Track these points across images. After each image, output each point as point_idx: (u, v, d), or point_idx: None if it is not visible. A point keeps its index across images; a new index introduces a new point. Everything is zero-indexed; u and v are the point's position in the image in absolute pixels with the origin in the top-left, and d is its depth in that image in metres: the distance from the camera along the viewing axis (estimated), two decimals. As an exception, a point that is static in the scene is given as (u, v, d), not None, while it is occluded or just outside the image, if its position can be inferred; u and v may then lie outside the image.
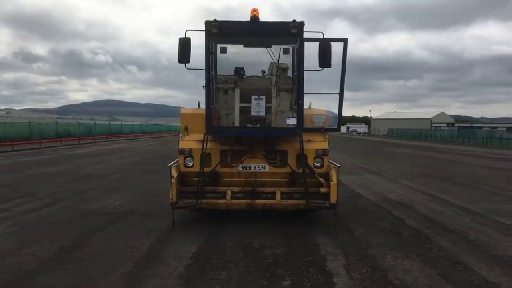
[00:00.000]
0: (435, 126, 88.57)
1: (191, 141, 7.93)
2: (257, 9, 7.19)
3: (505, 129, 75.68)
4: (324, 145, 7.88)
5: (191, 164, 7.85)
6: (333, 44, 7.36)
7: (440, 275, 5.52)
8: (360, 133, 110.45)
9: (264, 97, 7.31)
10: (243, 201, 7.71)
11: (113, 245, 6.65)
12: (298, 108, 7.31)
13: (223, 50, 8.35)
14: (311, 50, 7.79)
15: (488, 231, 7.79)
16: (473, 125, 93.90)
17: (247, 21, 7.16)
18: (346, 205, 9.79)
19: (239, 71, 7.80)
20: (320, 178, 7.79)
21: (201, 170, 7.56)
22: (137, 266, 5.74)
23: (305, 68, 7.35)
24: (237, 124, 7.48)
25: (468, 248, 6.71)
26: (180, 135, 8.09)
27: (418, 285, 5.17)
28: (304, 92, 7.56)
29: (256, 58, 8.41)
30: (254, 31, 7.14)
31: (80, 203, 9.90)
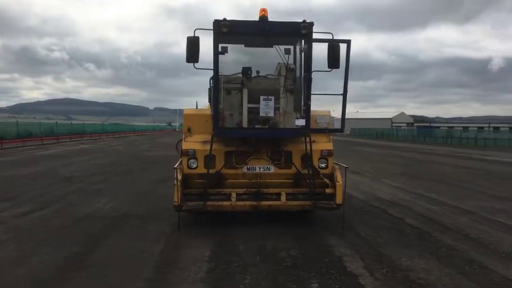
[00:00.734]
0: (396, 126, 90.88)
1: (194, 142, 7.77)
2: (266, 9, 7.12)
3: (461, 128, 78.63)
4: (329, 146, 7.90)
5: (195, 165, 7.69)
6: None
7: (460, 273, 5.64)
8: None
9: (273, 97, 7.25)
10: (248, 202, 7.63)
11: (124, 250, 6.42)
12: (306, 108, 7.29)
13: (224, 50, 8.22)
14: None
15: (486, 229, 8.03)
16: (431, 124, 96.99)
17: (256, 21, 7.08)
18: (343, 205, 9.85)
19: (246, 71, 7.70)
20: (325, 179, 7.81)
21: (207, 171, 7.42)
22: (157, 271, 5.57)
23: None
24: (245, 125, 7.38)
25: (475, 246, 6.89)
26: (183, 136, 7.90)
27: (444, 284, 5.26)
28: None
29: (257, 58, 8.34)
30: (264, 31, 7.06)
31: (71, 207, 9.51)
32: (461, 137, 55.26)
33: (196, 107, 9.66)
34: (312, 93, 7.63)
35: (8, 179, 14.07)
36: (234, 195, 7.63)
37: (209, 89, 8.77)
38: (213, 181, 7.51)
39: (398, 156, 27.68)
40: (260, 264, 5.87)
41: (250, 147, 7.65)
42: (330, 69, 7.25)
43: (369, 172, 17.43)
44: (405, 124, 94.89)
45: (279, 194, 7.74)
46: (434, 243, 7.02)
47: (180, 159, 8.27)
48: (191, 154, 7.68)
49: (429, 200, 11.00)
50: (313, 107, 8.28)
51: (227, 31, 6.89)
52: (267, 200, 7.68)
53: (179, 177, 7.46)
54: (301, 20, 7.01)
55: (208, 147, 7.65)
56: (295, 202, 7.72)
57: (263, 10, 7.09)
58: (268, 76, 8.17)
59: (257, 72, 7.94)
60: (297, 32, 7.05)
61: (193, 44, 6.93)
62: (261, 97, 7.19)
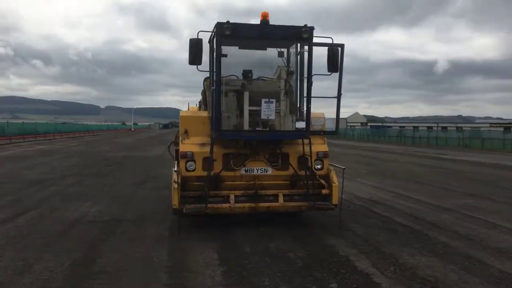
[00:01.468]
0: (350, 126, 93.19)
1: (192, 145, 7.72)
2: (267, 13, 7.18)
3: (412, 128, 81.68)
4: (324, 148, 8.08)
5: (193, 168, 7.64)
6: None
7: (463, 269, 5.93)
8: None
9: (274, 100, 7.33)
10: (246, 204, 7.67)
11: (129, 255, 6.31)
12: (307, 111, 7.42)
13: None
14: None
15: (471, 226, 8.45)
16: (383, 124, 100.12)
17: (259, 24, 7.13)
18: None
19: (247, 73, 7.73)
20: (321, 180, 7.97)
21: (208, 174, 7.40)
22: (172, 276, 5.52)
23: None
24: (246, 127, 7.41)
25: (467, 243, 7.25)
26: (180, 139, 7.83)
27: (452, 280, 5.52)
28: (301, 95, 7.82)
29: (251, 61, 8.38)
30: (266, 35, 7.12)
31: (55, 212, 9.18)
32: (414, 137, 57.39)
33: (188, 108, 9.57)
34: (304, 96, 7.79)
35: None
36: (232, 197, 7.65)
37: (203, 91, 8.74)
38: (213, 183, 7.49)
39: (361, 155, 28.43)
40: (272, 266, 5.93)
41: (249, 149, 7.70)
42: (330, 73, 7.41)
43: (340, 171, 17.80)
44: (359, 124, 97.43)
45: (276, 196, 7.83)
46: (429, 241, 7.32)
47: (174, 162, 8.21)
48: (189, 157, 7.63)
49: (407, 199, 11.42)
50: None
51: (229, 34, 6.90)
52: (265, 202, 7.76)
53: (177, 179, 7.39)
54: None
55: (205, 149, 7.64)
56: (292, 203, 7.84)
57: (265, 14, 7.15)
58: (264, 79, 8.22)
59: (251, 74, 7.97)
60: (299, 36, 7.15)
61: (196, 47, 6.89)
62: (263, 100, 7.25)
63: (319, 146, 8.02)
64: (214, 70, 7.13)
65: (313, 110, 7.77)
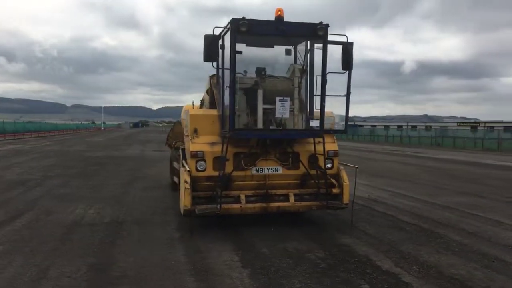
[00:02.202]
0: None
1: (203, 144, 7.52)
2: (282, 9, 7.04)
3: (382, 127, 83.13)
4: (334, 147, 8.01)
5: (203, 168, 7.44)
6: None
7: (484, 267, 5.96)
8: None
9: (288, 98, 7.20)
10: (257, 204, 7.54)
11: (146, 259, 6.05)
12: (321, 110, 7.32)
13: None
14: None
15: (475, 223, 8.55)
16: (355, 123, 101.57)
17: (274, 21, 6.98)
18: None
19: (260, 71, 7.57)
20: (332, 179, 7.91)
21: (222, 174, 7.22)
22: (198, 280, 5.31)
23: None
24: (260, 126, 7.25)
25: (477, 240, 7.31)
26: (189, 138, 7.60)
27: (479, 279, 5.52)
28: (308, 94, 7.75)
29: (260, 58, 8.22)
30: (281, 32, 6.98)
31: (49, 215, 8.76)
32: (387, 135, 58.45)
33: (193, 107, 9.32)
34: (315, 94, 7.71)
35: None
36: (243, 197, 7.49)
37: (209, 89, 8.54)
38: (224, 183, 7.31)
39: (343, 154, 28.58)
40: (297, 268, 5.80)
41: (260, 148, 7.55)
42: (344, 71, 7.33)
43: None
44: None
45: (287, 195, 7.72)
46: (441, 239, 7.35)
47: (181, 161, 7.99)
48: (200, 156, 7.42)
49: (404, 197, 11.51)
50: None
51: (245, 30, 6.73)
52: (276, 202, 7.64)
53: (188, 179, 7.18)
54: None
55: (216, 148, 7.47)
56: (303, 203, 7.75)
57: (279, 10, 7.00)
58: (276, 77, 8.07)
59: (264, 72, 7.80)
60: (314, 33, 7.04)
61: (212, 43, 6.69)
62: (277, 98, 7.10)
63: (329, 145, 7.94)
64: (228, 67, 6.93)
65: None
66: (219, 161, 7.40)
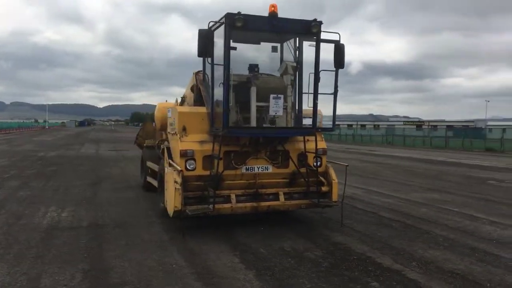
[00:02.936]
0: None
1: (192, 143, 7.28)
2: (276, 5, 6.93)
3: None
4: (323, 145, 8.00)
5: (193, 167, 7.21)
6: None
7: (480, 261, 6.13)
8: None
9: (282, 96, 7.09)
10: (248, 204, 7.41)
11: (142, 263, 5.77)
12: (314, 107, 7.28)
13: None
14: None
15: (454, 218, 8.82)
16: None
17: (269, 17, 6.85)
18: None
19: (253, 68, 7.40)
20: (321, 177, 7.90)
21: (216, 173, 7.03)
22: (206, 283, 5.12)
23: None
24: (254, 124, 7.10)
25: (462, 235, 7.53)
26: (178, 136, 7.33)
27: (478, 272, 5.67)
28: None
29: (247, 55, 8.07)
30: (276, 28, 6.86)
31: (20, 219, 8.19)
32: (340, 134, 59.75)
33: (177, 104, 9.01)
34: (304, 92, 7.66)
35: None
36: (233, 196, 7.33)
37: (195, 86, 8.30)
38: (217, 183, 7.12)
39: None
40: (301, 268, 5.72)
41: (253, 146, 7.41)
42: (336, 69, 7.32)
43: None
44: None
45: (277, 194, 7.64)
46: (428, 234, 7.51)
47: (166, 161, 7.71)
48: (189, 155, 7.18)
49: (377, 194, 11.73)
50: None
51: (241, 26, 6.56)
52: (266, 201, 7.54)
53: (178, 179, 6.93)
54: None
55: (206, 147, 7.28)
56: (293, 202, 7.70)
57: (273, 6, 6.88)
58: (267, 74, 7.94)
59: (257, 69, 7.64)
60: (308, 30, 6.98)
61: (206, 38, 6.46)
62: (271, 96, 6.99)
63: (318, 143, 7.91)
64: (220, 63, 6.73)
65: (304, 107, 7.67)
66: (209, 160, 7.20)
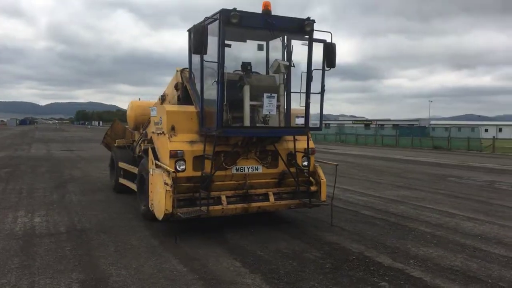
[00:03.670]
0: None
1: (182, 143, 7.02)
2: (269, 2, 6.79)
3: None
4: (311, 144, 7.95)
5: (183, 168, 6.95)
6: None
7: (473, 257, 6.28)
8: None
9: (275, 95, 6.96)
10: (239, 205, 7.25)
11: (141, 270, 5.47)
12: (306, 107, 7.21)
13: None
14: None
15: (432, 215, 9.05)
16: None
17: (263, 14, 6.70)
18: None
19: (246, 66, 7.21)
20: (310, 177, 7.87)
21: (208, 174, 6.82)
22: (215, 291, 4.91)
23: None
24: (247, 123, 6.92)
25: (447, 232, 7.71)
26: (167, 136, 7.04)
27: (476, 268, 5.79)
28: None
29: (236, 54, 7.86)
30: (270, 25, 6.72)
31: (-10, 225, 7.63)
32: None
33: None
34: (292, 91, 7.59)
35: None
36: (224, 198, 7.15)
37: (180, 84, 8.03)
38: (209, 184, 6.91)
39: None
40: (305, 269, 5.63)
41: (244, 146, 7.25)
42: (328, 69, 7.28)
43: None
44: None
45: (266, 195, 7.54)
46: (415, 232, 7.64)
47: (151, 162, 7.40)
48: (179, 156, 6.92)
49: (351, 192, 11.87)
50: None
51: (236, 22, 6.38)
52: (256, 202, 7.42)
53: (169, 181, 6.67)
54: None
55: (196, 147, 7.07)
56: (283, 202, 7.62)
57: (267, 3, 6.75)
58: (259, 73, 7.77)
59: (250, 67, 7.45)
60: (302, 29, 6.91)
61: (201, 34, 6.22)
62: (265, 95, 6.84)
63: (305, 142, 7.87)
64: (215, 61, 6.52)
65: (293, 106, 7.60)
66: (200, 161, 6.97)
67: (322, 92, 7.76)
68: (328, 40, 7.24)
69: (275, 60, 7.26)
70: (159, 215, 6.84)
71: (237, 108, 7.03)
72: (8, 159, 20.61)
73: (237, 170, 7.32)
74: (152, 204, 7.31)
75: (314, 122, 8.10)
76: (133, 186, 9.82)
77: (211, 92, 7.05)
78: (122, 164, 10.65)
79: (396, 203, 10.32)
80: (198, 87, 7.26)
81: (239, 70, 7.61)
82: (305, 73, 7.17)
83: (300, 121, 7.30)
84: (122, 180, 10.65)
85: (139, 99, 11.08)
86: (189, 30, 7.72)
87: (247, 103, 6.87)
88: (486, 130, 74.97)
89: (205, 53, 6.30)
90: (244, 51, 8.08)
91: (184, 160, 6.95)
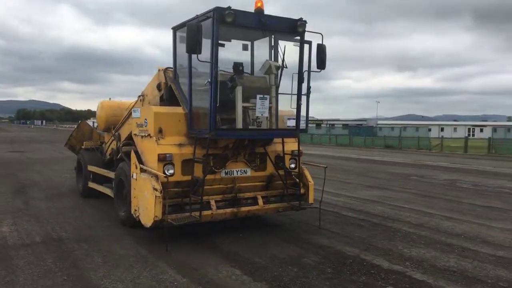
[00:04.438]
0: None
1: (170, 146, 6.71)
2: (262, 0, 6.61)
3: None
4: (299, 146, 7.86)
5: (171, 172, 6.64)
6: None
7: (465, 257, 6.38)
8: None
9: (268, 96, 6.78)
10: (228, 210, 7.05)
11: (140, 283, 5.14)
12: (297, 109, 7.10)
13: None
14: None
15: (411, 215, 9.20)
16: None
17: (256, 13, 6.51)
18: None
19: (238, 66, 6.97)
20: (297, 180, 7.77)
21: (200, 178, 6.56)
22: (225, 302, 4.68)
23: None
24: (239, 126, 6.69)
25: (431, 232, 7.83)
26: (154, 139, 6.70)
27: (472, 268, 5.89)
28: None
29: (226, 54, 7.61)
30: (263, 25, 6.54)
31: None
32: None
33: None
34: (280, 92, 7.46)
35: None
36: (213, 202, 6.92)
37: (163, 84, 7.69)
38: (201, 189, 6.65)
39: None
40: (308, 275, 5.51)
41: (234, 149, 7.03)
42: (319, 70, 7.19)
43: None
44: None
45: (255, 198, 7.39)
46: (400, 232, 7.70)
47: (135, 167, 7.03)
48: (168, 159, 6.60)
49: (325, 193, 11.58)
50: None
51: (230, 21, 6.16)
52: (245, 206, 7.24)
53: (158, 186, 6.36)
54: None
55: (184, 150, 6.81)
56: (271, 206, 7.49)
57: (259, 1, 6.56)
58: (248, 73, 7.55)
59: (242, 67, 7.22)
60: (294, 29, 6.78)
61: (195, 33, 5.94)
62: (258, 96, 6.65)
63: (293, 144, 7.77)
64: (207, 61, 6.26)
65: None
66: (189, 165, 6.69)
67: (308, 93, 7.67)
68: (319, 42, 7.12)
69: (266, 61, 7.10)
70: (147, 222, 6.50)
71: (225, 110, 6.80)
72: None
73: (226, 173, 7.10)
74: (136, 210, 6.94)
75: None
76: (106, 191, 9.37)
77: (201, 92, 6.79)
78: (92, 168, 10.12)
79: (373, 204, 10.43)
80: (185, 87, 6.95)
81: (222, 70, 7.38)
82: (297, 74, 7.04)
83: (292, 123, 7.18)
84: (92, 185, 10.12)
85: (109, 99, 10.58)
86: (173, 28, 7.42)
87: (239, 105, 6.65)
88: (430, 130, 78.52)
89: (200, 53, 6.03)
90: (226, 50, 7.85)
91: (173, 164, 6.64)
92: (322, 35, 7.07)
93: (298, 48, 7.16)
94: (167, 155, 6.58)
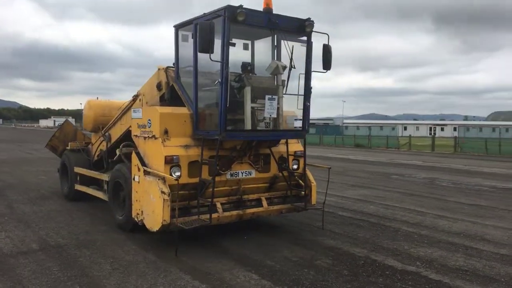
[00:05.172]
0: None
1: (177, 147, 6.52)
2: (271, 0, 6.51)
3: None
4: (300, 147, 7.81)
5: (178, 174, 6.45)
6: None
7: (469, 255, 6.50)
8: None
9: (276, 97, 6.69)
10: (234, 212, 6.93)
11: (158, 291, 4.96)
12: (304, 109, 7.03)
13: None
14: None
15: (406, 214, 9.33)
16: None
17: (267, 13, 6.40)
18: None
19: (246, 66, 6.82)
20: (300, 181, 7.72)
21: (212, 180, 6.41)
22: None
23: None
24: (248, 127, 6.56)
25: (430, 231, 7.94)
26: (160, 140, 6.49)
27: (481, 267, 5.98)
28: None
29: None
30: (274, 25, 6.44)
31: None
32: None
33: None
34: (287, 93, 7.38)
35: None
36: (219, 205, 6.78)
37: (164, 83, 7.45)
38: (204, 191, 6.50)
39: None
40: (327, 278, 5.46)
41: (240, 151, 6.90)
42: (325, 71, 7.14)
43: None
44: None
45: (259, 200, 7.30)
46: (401, 232, 7.79)
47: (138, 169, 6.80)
48: (175, 161, 6.41)
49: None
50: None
51: (242, 20, 6.03)
52: (250, 208, 7.14)
53: (165, 189, 6.18)
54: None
55: (191, 152, 6.64)
56: (275, 207, 7.42)
57: (268, 1, 6.46)
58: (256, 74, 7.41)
59: (250, 67, 7.09)
60: (303, 29, 6.71)
61: (208, 31, 5.77)
62: (267, 97, 6.54)
63: (296, 145, 7.73)
64: (218, 60, 6.10)
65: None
66: (196, 167, 6.53)
67: (308, 94, 7.62)
68: (325, 42, 7.08)
69: (273, 61, 7.00)
70: (154, 226, 6.29)
71: (231, 110, 6.66)
72: None
73: (231, 175, 6.97)
74: (139, 214, 6.71)
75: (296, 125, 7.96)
76: (97, 193, 9.06)
77: (207, 93, 6.63)
78: (79, 169, 9.74)
79: (364, 203, 10.52)
80: (191, 87, 6.75)
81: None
82: (303, 75, 6.98)
83: (298, 124, 7.11)
84: (79, 187, 9.75)
85: (97, 98, 10.22)
86: (175, 26, 7.21)
87: (248, 105, 6.53)
88: (393, 129, 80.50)
89: (212, 52, 5.86)
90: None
91: (180, 166, 6.45)
92: (328, 36, 7.03)
93: (301, 48, 7.09)
94: (174, 157, 6.39)
